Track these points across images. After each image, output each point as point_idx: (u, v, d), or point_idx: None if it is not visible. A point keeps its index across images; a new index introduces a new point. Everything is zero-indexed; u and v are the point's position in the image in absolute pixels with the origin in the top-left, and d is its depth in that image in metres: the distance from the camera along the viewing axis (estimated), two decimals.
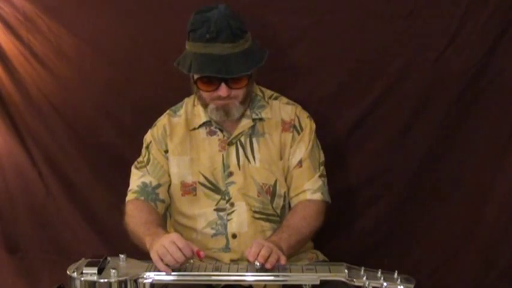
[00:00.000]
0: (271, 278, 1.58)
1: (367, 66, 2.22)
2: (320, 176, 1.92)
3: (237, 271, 1.59)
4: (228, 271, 1.59)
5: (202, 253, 1.61)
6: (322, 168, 1.94)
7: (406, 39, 2.19)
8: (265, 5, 2.22)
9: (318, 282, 1.54)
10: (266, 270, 1.57)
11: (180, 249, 1.56)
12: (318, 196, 1.89)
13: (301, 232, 1.81)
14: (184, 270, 1.58)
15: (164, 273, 1.57)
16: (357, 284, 1.52)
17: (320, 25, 2.21)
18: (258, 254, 1.57)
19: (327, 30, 2.21)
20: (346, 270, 1.55)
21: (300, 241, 1.81)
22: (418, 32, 2.18)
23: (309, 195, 1.89)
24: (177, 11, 2.17)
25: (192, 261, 1.60)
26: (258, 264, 1.56)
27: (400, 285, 1.50)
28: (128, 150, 2.23)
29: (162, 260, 1.57)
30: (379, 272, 1.53)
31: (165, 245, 1.58)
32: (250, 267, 1.58)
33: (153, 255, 1.60)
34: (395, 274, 1.52)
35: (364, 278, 1.52)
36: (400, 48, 2.20)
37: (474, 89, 2.19)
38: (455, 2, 2.15)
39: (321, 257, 2.00)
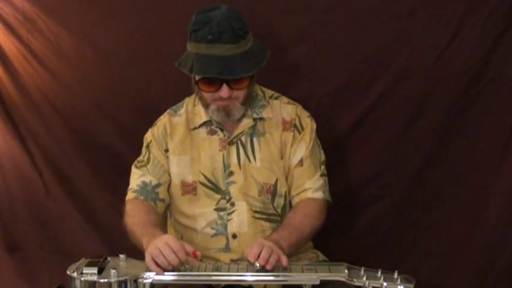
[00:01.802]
0: (271, 278, 1.58)
1: (367, 66, 2.23)
2: (321, 175, 1.92)
3: (237, 271, 1.58)
4: (228, 271, 1.59)
5: (198, 253, 1.60)
6: (323, 167, 1.94)
7: (406, 39, 2.19)
8: (265, 4, 2.22)
9: (318, 282, 1.54)
10: (266, 270, 1.57)
11: (174, 252, 1.56)
12: (319, 195, 1.89)
13: (302, 230, 1.81)
14: (185, 270, 1.58)
15: (164, 273, 1.57)
16: (357, 284, 1.52)
17: (320, 25, 2.21)
18: (258, 255, 1.57)
19: (327, 30, 2.22)
20: (346, 270, 1.55)
21: (301, 239, 1.81)
22: (418, 32, 2.18)
23: (310, 194, 1.89)
24: (177, 11, 2.18)
25: (187, 266, 1.59)
26: (258, 265, 1.56)
27: (400, 285, 1.50)
28: (128, 150, 2.24)
29: (155, 261, 1.57)
30: (379, 272, 1.53)
31: (159, 246, 1.57)
32: (250, 267, 1.58)
33: (146, 256, 1.59)
34: (395, 274, 1.52)
35: (364, 278, 1.52)
36: (400, 48, 2.20)
37: (474, 88, 2.19)
38: (455, 2, 2.15)
39: (321, 257, 2.00)
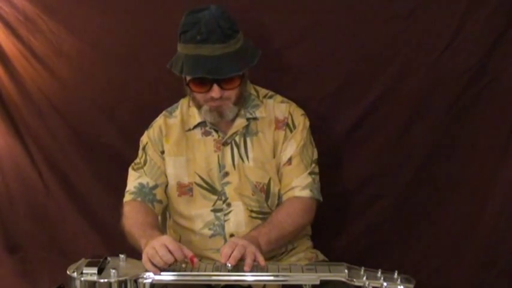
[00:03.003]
0: (271, 278, 1.57)
1: (367, 66, 2.23)
2: (310, 173, 1.90)
3: (237, 271, 1.58)
4: (228, 271, 1.58)
5: (195, 260, 1.59)
6: (313, 165, 1.93)
7: (406, 39, 2.19)
8: (264, 4, 2.22)
9: (318, 282, 1.54)
10: (239, 270, 1.56)
11: (170, 252, 1.56)
12: (306, 193, 1.88)
13: (283, 228, 1.79)
14: (184, 271, 1.58)
15: (161, 273, 1.57)
16: (357, 284, 1.52)
17: (320, 25, 2.21)
18: (230, 255, 1.56)
19: (326, 30, 2.21)
20: (346, 270, 1.54)
21: (282, 237, 1.80)
22: (418, 32, 2.18)
23: (297, 192, 1.88)
24: (177, 11, 2.16)
25: (184, 265, 1.59)
26: (229, 265, 1.56)
27: (400, 285, 1.50)
28: (128, 150, 2.23)
29: (151, 261, 1.56)
30: (379, 272, 1.52)
31: (155, 247, 1.57)
32: (223, 268, 1.57)
33: (143, 256, 1.59)
34: (395, 274, 1.52)
35: (364, 278, 1.52)
36: (400, 48, 2.20)
37: (474, 89, 2.19)
38: (455, 2, 2.15)
39: (321, 257, 2.00)
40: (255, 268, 1.58)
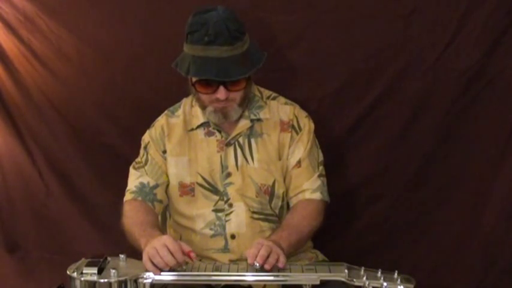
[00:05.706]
0: (271, 278, 1.57)
1: (367, 66, 2.23)
2: (319, 176, 1.91)
3: (237, 271, 1.58)
4: (228, 271, 1.59)
5: (193, 254, 1.60)
6: (321, 168, 1.94)
7: (406, 39, 2.19)
8: (265, 4, 2.22)
9: (318, 282, 1.54)
10: (265, 270, 1.57)
11: (171, 253, 1.56)
12: (317, 196, 1.89)
13: (301, 231, 1.80)
14: (184, 271, 1.58)
15: (161, 273, 1.57)
16: (357, 284, 1.52)
17: (320, 25, 2.21)
18: (256, 255, 1.56)
19: (327, 30, 2.22)
20: (346, 270, 1.55)
21: (300, 240, 1.80)
22: (418, 32, 2.18)
23: (308, 195, 1.88)
24: (178, 11, 2.17)
25: (184, 267, 1.59)
26: (257, 264, 1.56)
27: (400, 285, 1.50)
28: (128, 150, 2.23)
29: (151, 261, 1.57)
30: (379, 272, 1.53)
31: (156, 247, 1.57)
32: (250, 267, 1.58)
33: (143, 256, 1.59)
34: (395, 274, 1.52)
35: (364, 278, 1.52)
36: (400, 48, 2.20)
37: (474, 88, 2.19)
38: (455, 2, 2.15)
39: (321, 257, 2.00)
40: (276, 268, 1.58)
